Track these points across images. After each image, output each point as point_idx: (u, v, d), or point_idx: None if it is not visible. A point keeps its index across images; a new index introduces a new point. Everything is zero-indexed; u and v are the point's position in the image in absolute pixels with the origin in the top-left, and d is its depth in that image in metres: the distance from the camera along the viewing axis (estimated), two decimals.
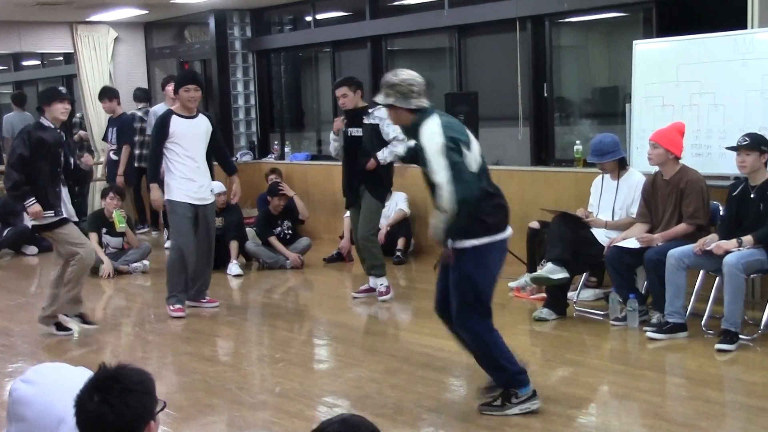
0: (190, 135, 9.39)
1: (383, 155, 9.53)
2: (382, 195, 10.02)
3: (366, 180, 9.69)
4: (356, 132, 9.70)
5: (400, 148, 8.52)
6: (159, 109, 13.05)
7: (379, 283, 9.86)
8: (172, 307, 9.46)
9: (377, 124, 9.58)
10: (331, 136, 10.03)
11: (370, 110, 9.69)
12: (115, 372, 3.09)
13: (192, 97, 9.36)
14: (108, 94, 14.79)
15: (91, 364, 3.94)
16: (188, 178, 9.35)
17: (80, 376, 3.35)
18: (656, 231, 8.42)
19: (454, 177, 5.87)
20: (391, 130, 9.41)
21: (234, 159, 15.60)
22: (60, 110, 8.60)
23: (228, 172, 10.06)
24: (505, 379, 6.31)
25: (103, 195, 12.25)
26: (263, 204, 12.58)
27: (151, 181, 9.66)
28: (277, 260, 11.99)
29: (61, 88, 9.17)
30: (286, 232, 12.28)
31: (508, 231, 6.31)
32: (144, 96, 15.42)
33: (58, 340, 8.79)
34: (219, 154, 9.88)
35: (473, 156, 6.06)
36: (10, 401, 3.53)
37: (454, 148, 5.94)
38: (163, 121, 9.41)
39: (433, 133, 6.02)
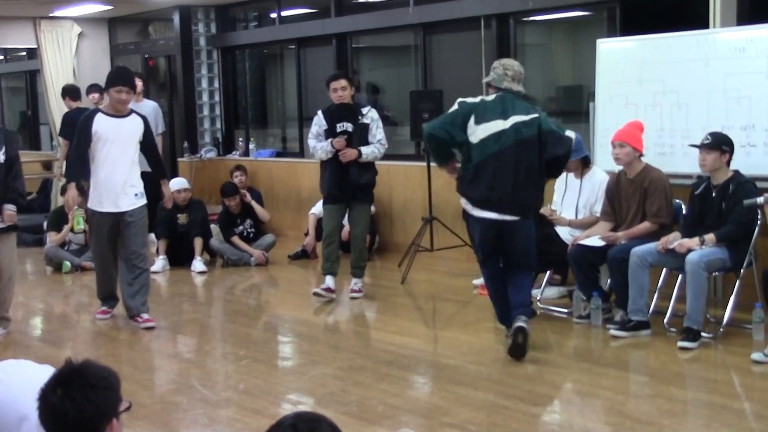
0: (114, 136, 8.76)
1: (366, 151, 9.55)
2: (371, 199, 10.10)
3: (362, 186, 9.70)
4: (348, 127, 9.65)
5: (381, 151, 9.71)
6: None
7: (358, 282, 9.90)
8: (97, 310, 9.30)
9: (368, 124, 9.63)
10: (328, 147, 9.83)
11: (363, 110, 9.77)
12: (80, 367, 3.08)
13: (122, 100, 8.78)
14: (70, 93, 14.57)
15: (53, 360, 3.92)
16: (107, 182, 8.78)
17: (44, 373, 3.34)
18: (620, 229, 8.45)
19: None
20: (379, 132, 9.58)
21: (198, 156, 15.61)
22: None
23: (156, 175, 9.40)
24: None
25: (63, 192, 12.16)
26: (224, 203, 12.51)
27: (68, 180, 9.09)
28: (241, 257, 11.96)
29: None
30: (248, 230, 12.26)
31: (483, 213, 7.43)
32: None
33: (20, 337, 8.74)
34: (149, 156, 9.23)
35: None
36: None
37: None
38: (86, 120, 8.81)
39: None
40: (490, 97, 7.56)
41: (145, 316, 8.99)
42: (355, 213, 9.82)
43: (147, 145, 9.08)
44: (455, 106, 7.57)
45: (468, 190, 7.46)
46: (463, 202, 7.57)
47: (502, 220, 7.39)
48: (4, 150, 8.38)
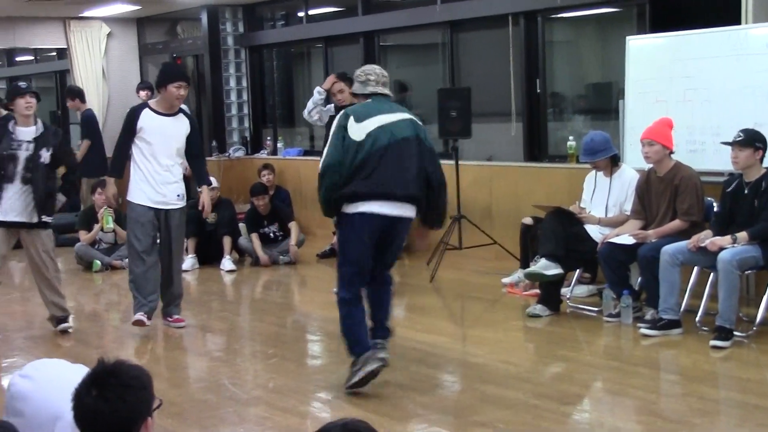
0: (160, 133, 8.59)
1: None
2: None
3: None
4: None
5: None
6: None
7: None
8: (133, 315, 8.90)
9: None
10: (316, 94, 9.93)
11: None
12: (113, 367, 3.08)
13: (181, 96, 8.63)
14: (72, 93, 14.54)
15: (84, 358, 3.92)
16: (149, 179, 8.61)
17: (78, 372, 3.34)
18: (650, 227, 8.41)
19: None
20: None
21: (226, 155, 15.64)
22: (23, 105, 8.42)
23: (197, 182, 9.15)
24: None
25: (93, 191, 12.21)
26: (252, 203, 12.48)
27: (109, 174, 9.02)
28: (270, 256, 11.96)
29: (21, 83, 8.71)
30: (276, 233, 12.24)
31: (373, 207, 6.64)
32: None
33: (52, 335, 8.77)
34: (192, 159, 8.99)
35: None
36: (8, 396, 3.52)
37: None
38: (133, 115, 8.67)
39: None
40: (361, 103, 7.03)
41: (176, 315, 8.98)
42: None
43: (193, 146, 8.88)
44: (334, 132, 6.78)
45: (352, 185, 6.62)
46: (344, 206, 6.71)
47: (393, 216, 6.73)
48: (51, 149, 8.48)
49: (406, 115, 6.89)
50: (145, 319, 8.60)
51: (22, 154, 8.39)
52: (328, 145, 6.71)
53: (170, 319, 8.96)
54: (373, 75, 6.99)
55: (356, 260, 6.73)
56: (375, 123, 6.66)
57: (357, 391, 6.60)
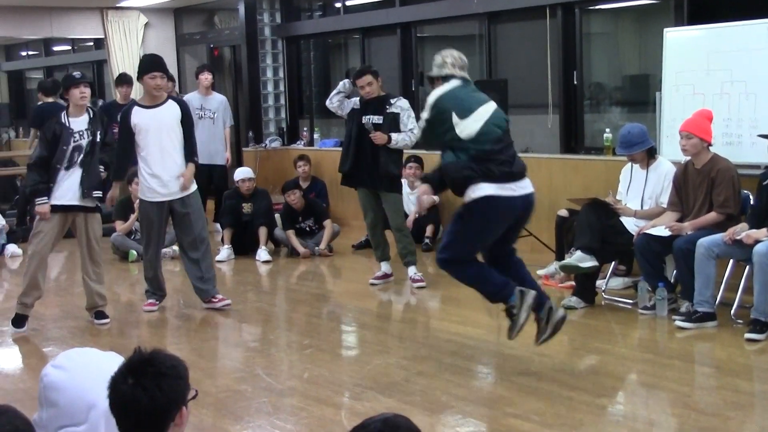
0: (153, 126, 8.80)
1: (397, 138, 9.62)
2: (400, 187, 10.16)
3: (390, 175, 9.76)
4: (377, 120, 9.75)
5: (412, 139, 9.53)
6: (191, 98, 13.06)
7: (414, 270, 9.95)
8: (144, 303, 9.35)
9: (398, 114, 9.70)
10: (343, 84, 10.04)
11: (392, 100, 9.86)
12: (150, 356, 3.13)
13: (157, 86, 8.83)
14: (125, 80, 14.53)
15: (119, 348, 3.95)
16: (152, 173, 8.84)
17: (110, 361, 3.38)
18: (686, 220, 8.38)
19: None
20: (410, 121, 9.60)
21: (263, 145, 15.69)
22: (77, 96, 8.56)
23: (185, 157, 9.04)
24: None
25: (129, 181, 12.26)
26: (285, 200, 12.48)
27: (113, 178, 9.03)
28: (308, 247, 11.97)
29: (76, 73, 8.82)
30: (311, 227, 12.26)
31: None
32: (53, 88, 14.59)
33: (87, 325, 8.85)
34: (185, 140, 9.01)
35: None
36: (42, 386, 3.56)
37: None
38: (125, 116, 8.93)
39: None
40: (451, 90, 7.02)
41: (219, 296, 9.22)
42: (388, 206, 9.88)
43: (185, 131, 9.02)
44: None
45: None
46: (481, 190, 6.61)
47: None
48: (101, 131, 8.65)
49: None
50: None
51: (83, 143, 8.54)
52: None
53: (215, 300, 9.23)
54: (449, 57, 7.03)
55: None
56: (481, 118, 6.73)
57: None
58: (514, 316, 6.72)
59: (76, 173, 8.53)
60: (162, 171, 8.84)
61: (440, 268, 7.08)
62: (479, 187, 6.54)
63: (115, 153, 8.94)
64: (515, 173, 6.67)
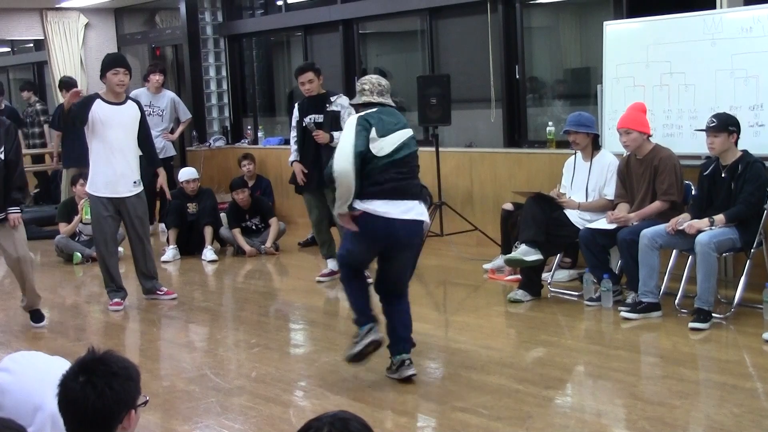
0: (114, 122, 8.84)
1: (338, 136, 9.61)
2: None
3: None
4: (318, 118, 9.79)
5: None
6: (140, 93, 12.93)
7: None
8: (109, 302, 9.31)
9: (338, 111, 9.71)
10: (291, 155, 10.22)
11: (332, 98, 9.88)
12: (102, 356, 3.14)
13: (121, 81, 8.89)
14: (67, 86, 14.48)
15: (65, 351, 3.93)
16: (104, 168, 8.88)
17: (57, 364, 3.37)
18: (631, 210, 8.45)
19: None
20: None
21: (207, 145, 15.63)
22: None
23: (149, 164, 9.51)
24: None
25: (73, 182, 12.15)
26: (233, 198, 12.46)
27: (64, 166, 9.12)
28: (254, 246, 11.94)
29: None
30: (258, 225, 12.23)
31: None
32: None
33: (31, 330, 8.76)
34: (143, 143, 9.21)
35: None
36: None
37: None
38: (86, 102, 8.86)
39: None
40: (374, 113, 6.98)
41: (165, 288, 9.46)
42: (332, 203, 9.87)
43: (142, 133, 9.15)
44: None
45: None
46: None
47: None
48: (3, 148, 8.09)
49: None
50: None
51: None
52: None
53: (160, 293, 9.47)
54: (367, 84, 6.96)
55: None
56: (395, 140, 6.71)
57: (350, 370, 6.62)
58: (354, 343, 6.74)
59: None
60: (115, 167, 8.88)
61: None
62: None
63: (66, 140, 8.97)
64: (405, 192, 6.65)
